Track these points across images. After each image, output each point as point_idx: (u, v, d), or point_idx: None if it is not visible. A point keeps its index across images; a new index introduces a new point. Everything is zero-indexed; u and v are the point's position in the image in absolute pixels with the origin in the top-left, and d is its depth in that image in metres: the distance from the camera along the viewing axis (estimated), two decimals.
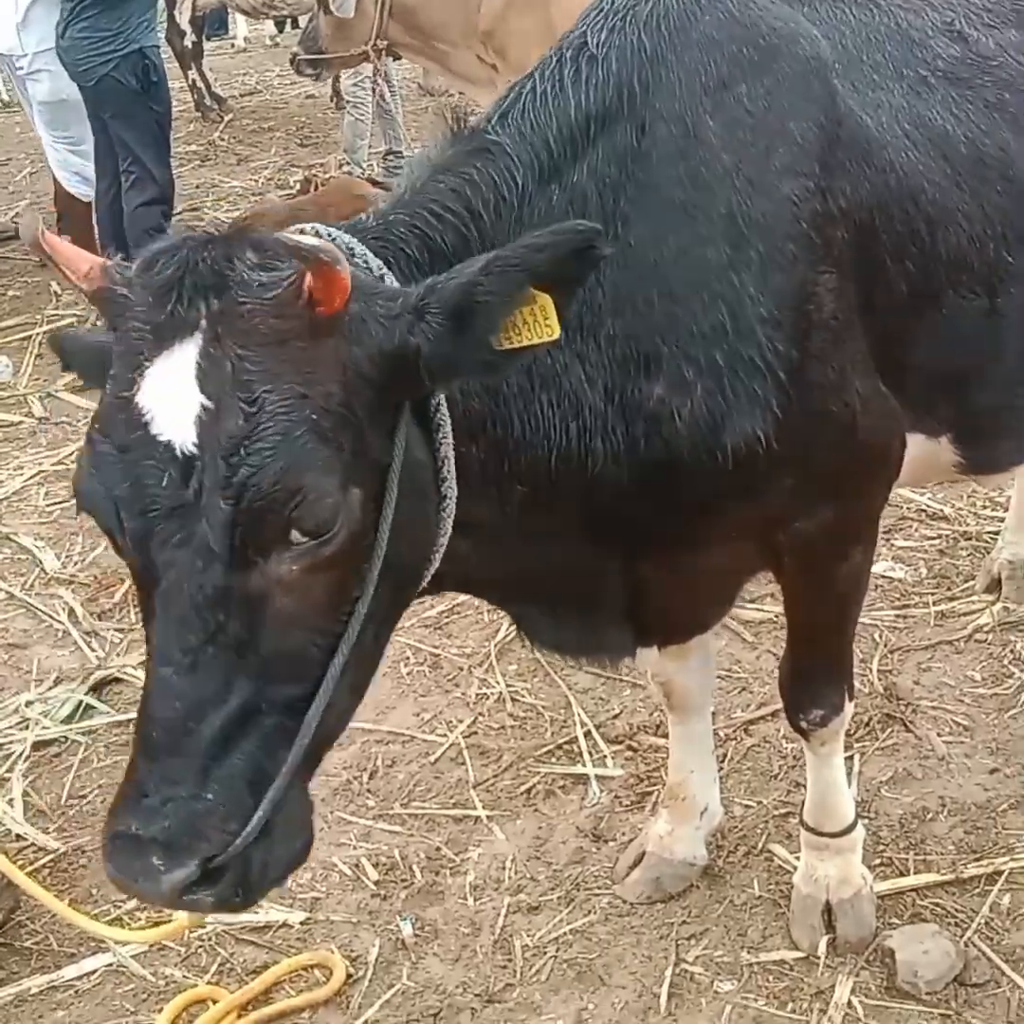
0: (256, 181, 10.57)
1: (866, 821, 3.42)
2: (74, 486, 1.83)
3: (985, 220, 2.54)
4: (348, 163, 9.97)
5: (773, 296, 2.26)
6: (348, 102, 9.82)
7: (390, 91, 9.97)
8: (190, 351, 1.75)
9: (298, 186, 9.83)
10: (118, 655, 4.47)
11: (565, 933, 3.24)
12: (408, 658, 4.35)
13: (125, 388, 1.77)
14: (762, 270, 2.26)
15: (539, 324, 1.89)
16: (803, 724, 2.91)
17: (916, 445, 2.66)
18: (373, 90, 9.82)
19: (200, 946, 3.29)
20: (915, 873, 3.30)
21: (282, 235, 1.86)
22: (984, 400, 2.73)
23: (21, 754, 3.97)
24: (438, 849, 3.54)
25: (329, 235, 1.99)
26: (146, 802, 1.72)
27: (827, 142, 2.36)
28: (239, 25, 16.74)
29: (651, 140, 2.26)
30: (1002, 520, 4.55)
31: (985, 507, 4.92)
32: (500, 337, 1.88)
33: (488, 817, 3.64)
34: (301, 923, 3.33)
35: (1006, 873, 3.27)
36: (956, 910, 3.19)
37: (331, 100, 12.04)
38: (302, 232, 1.97)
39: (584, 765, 3.78)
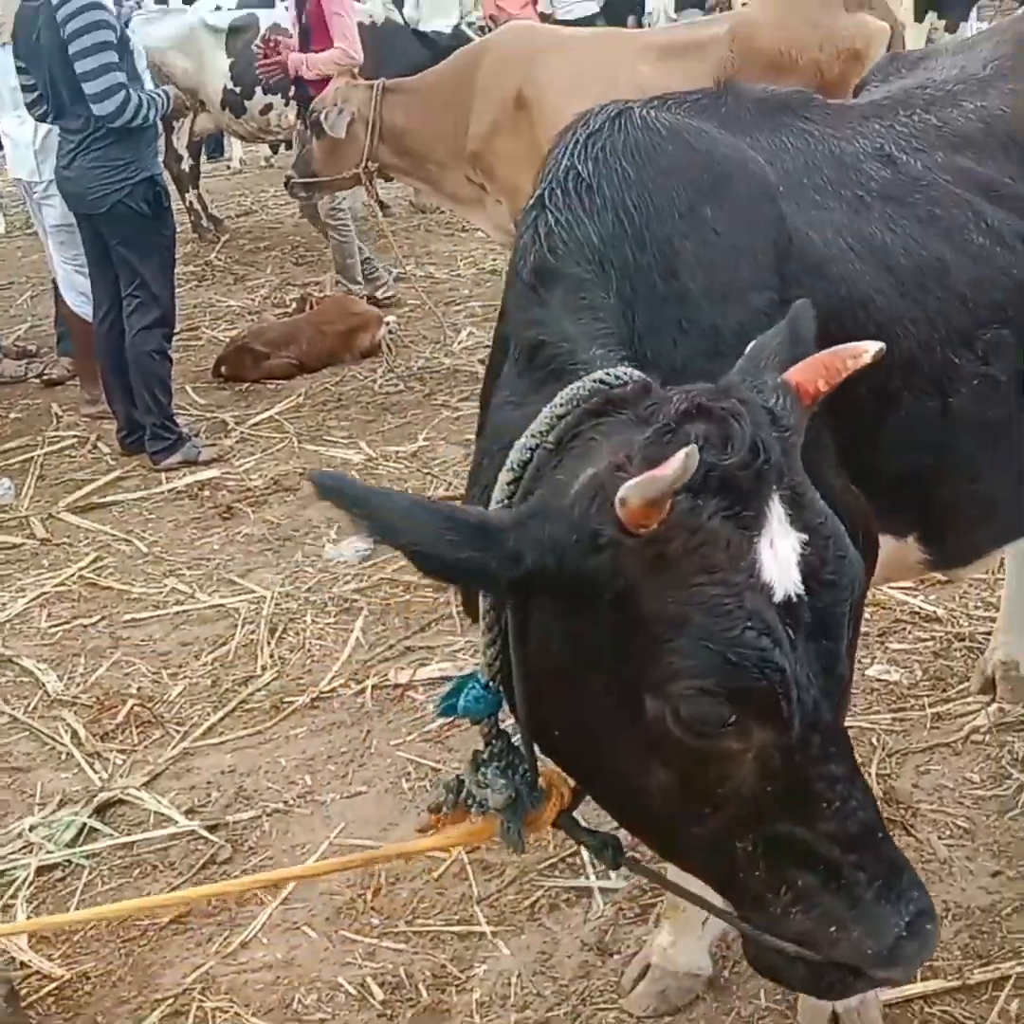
0: (253, 300, 10.77)
1: None
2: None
3: (930, 325, 2.68)
4: (343, 282, 10.15)
5: None
6: (329, 225, 10.01)
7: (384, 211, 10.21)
8: (777, 507, 1.85)
9: (294, 305, 10.03)
10: (121, 777, 4.49)
11: None
12: (410, 773, 4.37)
13: (749, 575, 1.81)
14: None
15: None
16: None
17: (885, 544, 2.76)
18: (366, 207, 10.06)
19: None
20: (922, 980, 3.29)
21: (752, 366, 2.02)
22: (945, 498, 2.83)
23: (25, 879, 3.96)
24: (443, 966, 3.54)
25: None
26: (895, 895, 1.89)
27: (782, 257, 2.53)
28: (234, 147, 17.12)
29: (648, 259, 2.41)
30: (995, 620, 4.60)
31: (977, 608, 4.97)
32: None
33: (493, 933, 3.63)
34: None
35: (1013, 978, 3.27)
36: (964, 1017, 3.19)
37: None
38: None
39: (587, 878, 3.79)
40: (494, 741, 2.19)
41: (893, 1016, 3.18)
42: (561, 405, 2.04)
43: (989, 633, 4.62)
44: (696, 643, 1.78)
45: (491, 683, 2.15)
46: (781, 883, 1.93)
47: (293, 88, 10.27)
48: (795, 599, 1.83)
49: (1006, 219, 2.84)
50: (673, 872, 2.29)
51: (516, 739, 2.21)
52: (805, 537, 1.86)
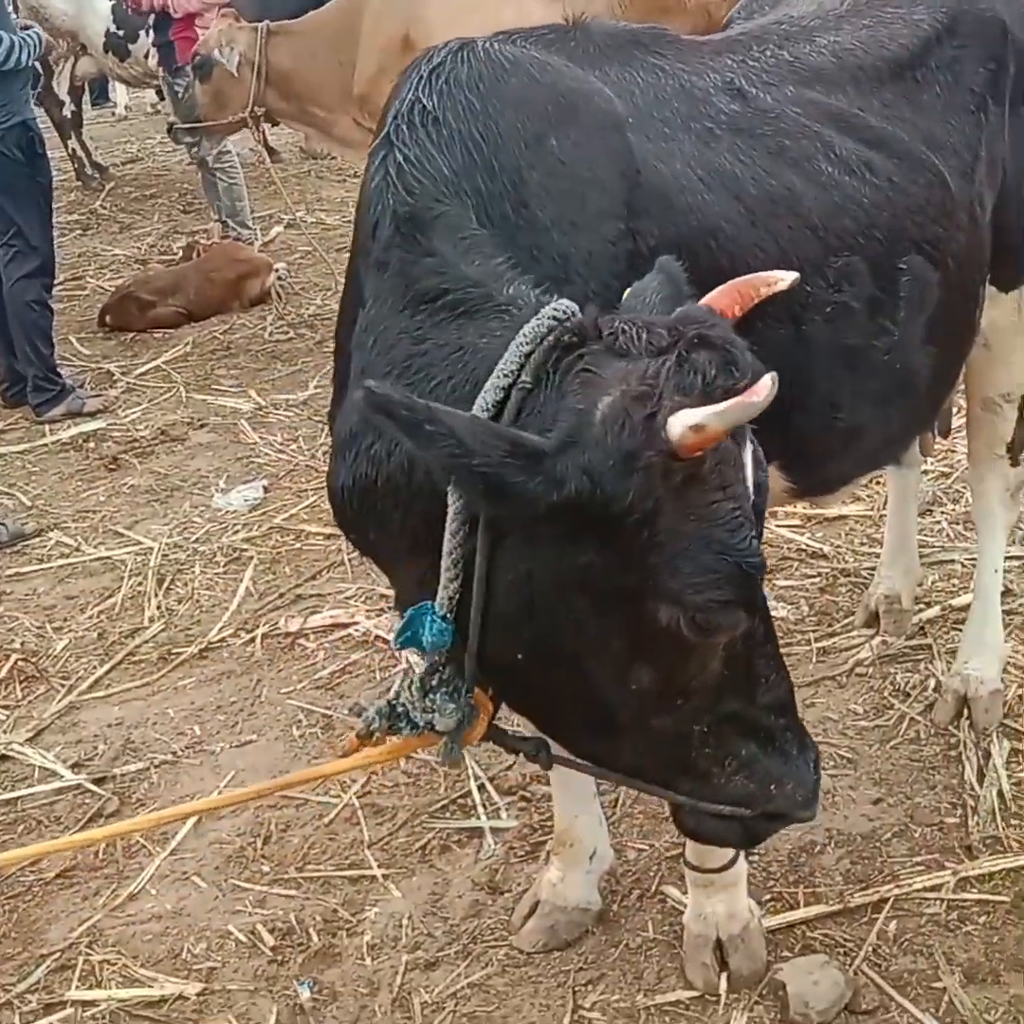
0: (139, 249, 10.55)
1: (755, 857, 3.48)
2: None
3: (781, 253, 2.70)
4: (233, 228, 9.97)
5: None
6: (216, 169, 9.82)
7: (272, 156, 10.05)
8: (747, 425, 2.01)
9: (181, 253, 9.85)
10: (4, 732, 4.41)
11: (463, 988, 3.24)
12: (300, 721, 4.34)
13: (743, 486, 2.01)
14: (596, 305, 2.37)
15: None
16: None
17: None
18: (254, 153, 9.88)
19: None
20: (804, 905, 3.36)
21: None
22: (805, 426, 2.86)
23: None
24: (335, 911, 3.53)
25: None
26: (804, 739, 2.24)
27: (630, 187, 2.53)
28: (119, 93, 16.71)
29: (498, 187, 2.39)
30: (878, 556, 4.68)
31: (862, 544, 5.05)
32: None
33: (384, 876, 3.63)
34: (197, 995, 3.29)
35: (891, 900, 3.35)
36: (845, 940, 3.26)
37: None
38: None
39: (478, 818, 3.80)
40: (442, 669, 2.26)
41: (776, 940, 3.24)
42: (526, 343, 2.07)
43: (873, 569, 4.70)
44: (717, 557, 1.94)
45: (448, 614, 2.20)
46: (727, 755, 2.18)
47: (152, 32, 10.04)
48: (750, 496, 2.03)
49: (855, 149, 2.87)
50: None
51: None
52: (753, 446, 2.05)
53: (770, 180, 2.73)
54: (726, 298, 2.11)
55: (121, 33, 11.83)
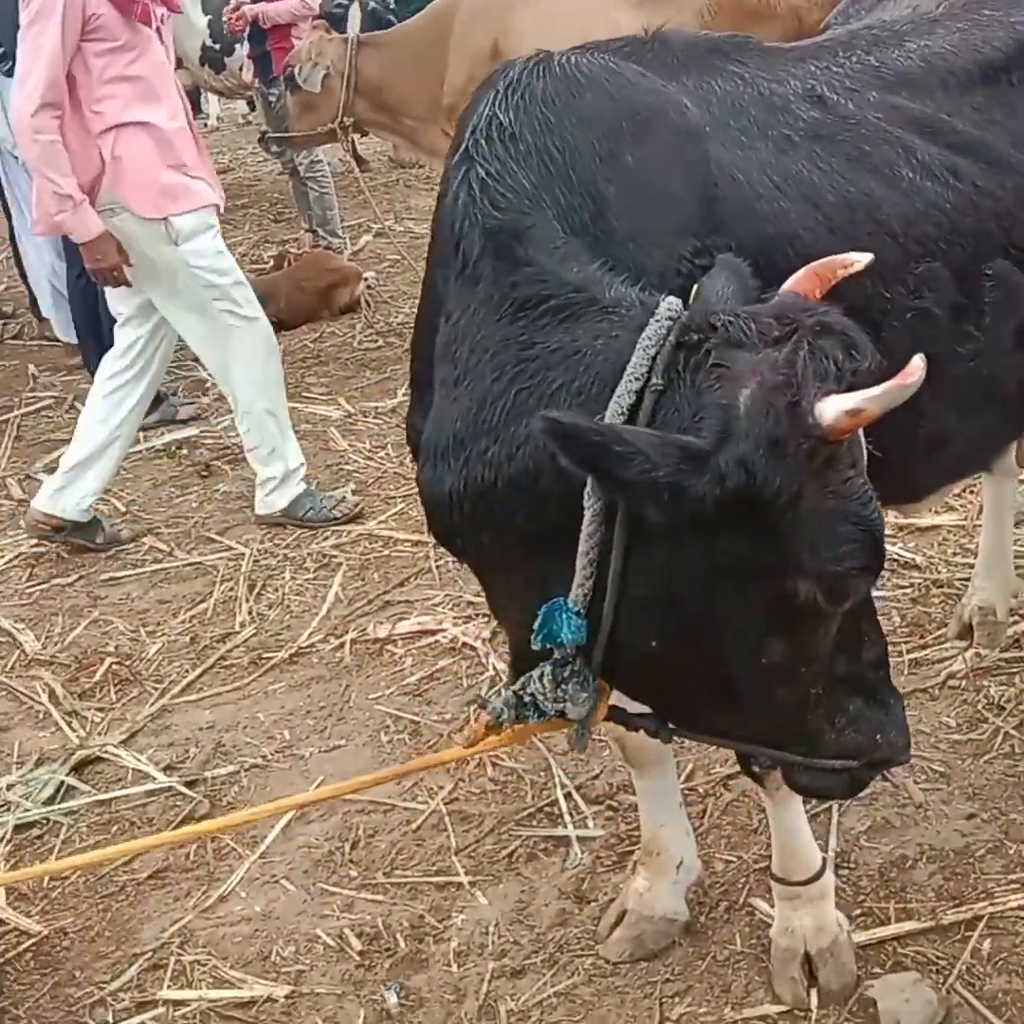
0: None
1: (846, 872, 3.45)
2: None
3: None
4: (323, 237, 10.08)
5: None
6: (308, 179, 9.93)
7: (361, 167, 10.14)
8: None
9: (272, 262, 9.97)
10: (99, 734, 4.49)
11: (549, 996, 3.24)
12: (388, 727, 4.37)
13: (862, 460, 2.16)
14: None
15: None
16: (754, 768, 2.91)
17: None
18: (343, 163, 9.98)
19: None
20: (896, 921, 3.31)
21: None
22: (887, 433, 2.81)
23: (2, 837, 3.97)
24: (421, 917, 3.55)
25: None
26: (900, 700, 2.42)
27: (707, 202, 2.53)
28: (212, 104, 16.98)
29: (577, 200, 2.40)
30: (972, 566, 4.60)
31: (955, 554, 4.98)
32: None
33: (471, 883, 3.64)
34: (286, 997, 3.32)
35: (986, 918, 3.29)
36: (937, 957, 3.20)
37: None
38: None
39: (565, 827, 3.80)
40: (573, 660, 2.34)
41: (866, 956, 3.19)
42: (651, 345, 2.12)
43: (967, 579, 4.62)
44: (854, 529, 2.09)
45: (582, 610, 2.26)
46: (839, 713, 2.34)
47: (248, 45, 10.17)
48: None
49: (939, 154, 2.82)
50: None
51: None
52: None
53: (849, 187, 2.70)
54: (807, 282, 2.20)
55: (217, 47, 12.02)
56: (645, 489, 2.00)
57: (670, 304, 2.18)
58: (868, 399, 1.97)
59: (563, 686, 2.35)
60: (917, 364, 1.95)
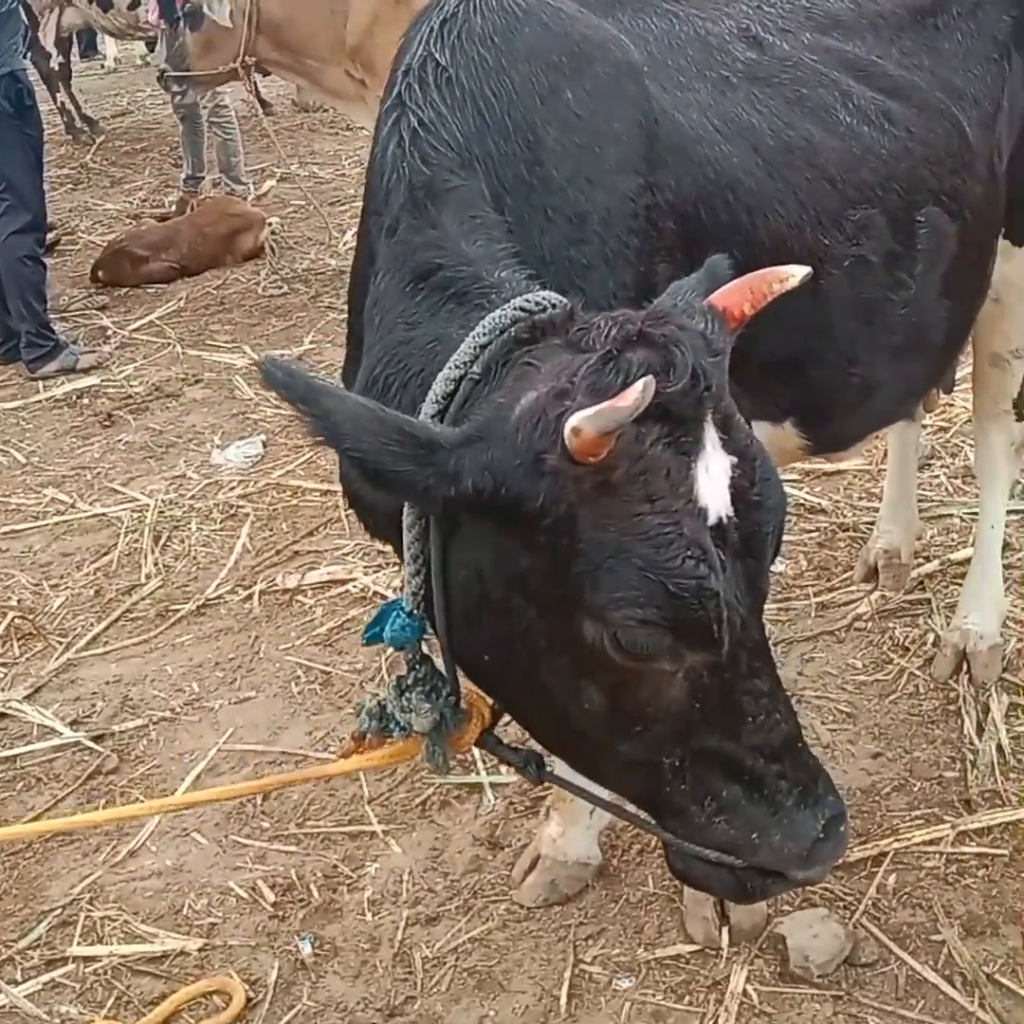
0: (131, 203, 10.47)
1: None
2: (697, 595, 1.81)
3: (799, 206, 2.67)
4: (226, 182, 9.89)
5: (623, 290, 2.34)
6: (212, 123, 9.72)
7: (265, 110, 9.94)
8: (712, 431, 1.85)
9: (174, 207, 9.76)
10: (2, 690, 4.40)
11: (464, 942, 3.25)
12: (299, 677, 4.34)
13: (686, 502, 1.81)
14: (613, 265, 2.34)
15: None
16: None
17: (761, 431, 2.73)
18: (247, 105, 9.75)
19: (95, 980, 3.25)
20: None
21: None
22: (821, 381, 2.83)
23: None
24: (335, 867, 3.54)
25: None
26: (812, 800, 1.98)
27: (648, 139, 2.47)
28: (109, 45, 16.52)
29: (512, 148, 2.35)
30: (877, 511, 4.66)
31: (861, 498, 5.04)
32: None
33: (384, 832, 3.64)
34: (198, 950, 3.30)
35: (891, 854, 3.36)
36: (845, 893, 3.27)
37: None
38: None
39: (478, 774, 3.80)
40: (418, 667, 2.20)
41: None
42: (484, 334, 2.00)
43: (872, 523, 4.69)
44: (638, 573, 1.78)
45: (415, 610, 2.14)
46: (707, 795, 1.98)
47: None
48: (726, 521, 1.84)
49: (873, 98, 2.82)
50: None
51: (439, 663, 2.21)
52: (735, 459, 1.87)
53: (788, 131, 2.68)
54: (736, 295, 1.98)
55: None
56: (354, 462, 1.85)
57: (532, 298, 2.04)
58: (583, 418, 1.71)
59: (407, 695, 2.20)
60: (636, 388, 1.69)
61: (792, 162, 2.67)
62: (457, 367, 2.01)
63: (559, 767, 2.38)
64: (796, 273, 2.00)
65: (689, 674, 1.88)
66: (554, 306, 2.03)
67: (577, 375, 1.82)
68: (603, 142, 2.41)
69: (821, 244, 2.68)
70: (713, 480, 1.83)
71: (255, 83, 9.39)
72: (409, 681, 2.20)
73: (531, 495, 1.81)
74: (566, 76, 2.42)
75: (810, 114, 2.73)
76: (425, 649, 2.23)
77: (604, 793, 2.26)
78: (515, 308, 2.02)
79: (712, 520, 1.82)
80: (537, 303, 2.03)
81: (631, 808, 2.19)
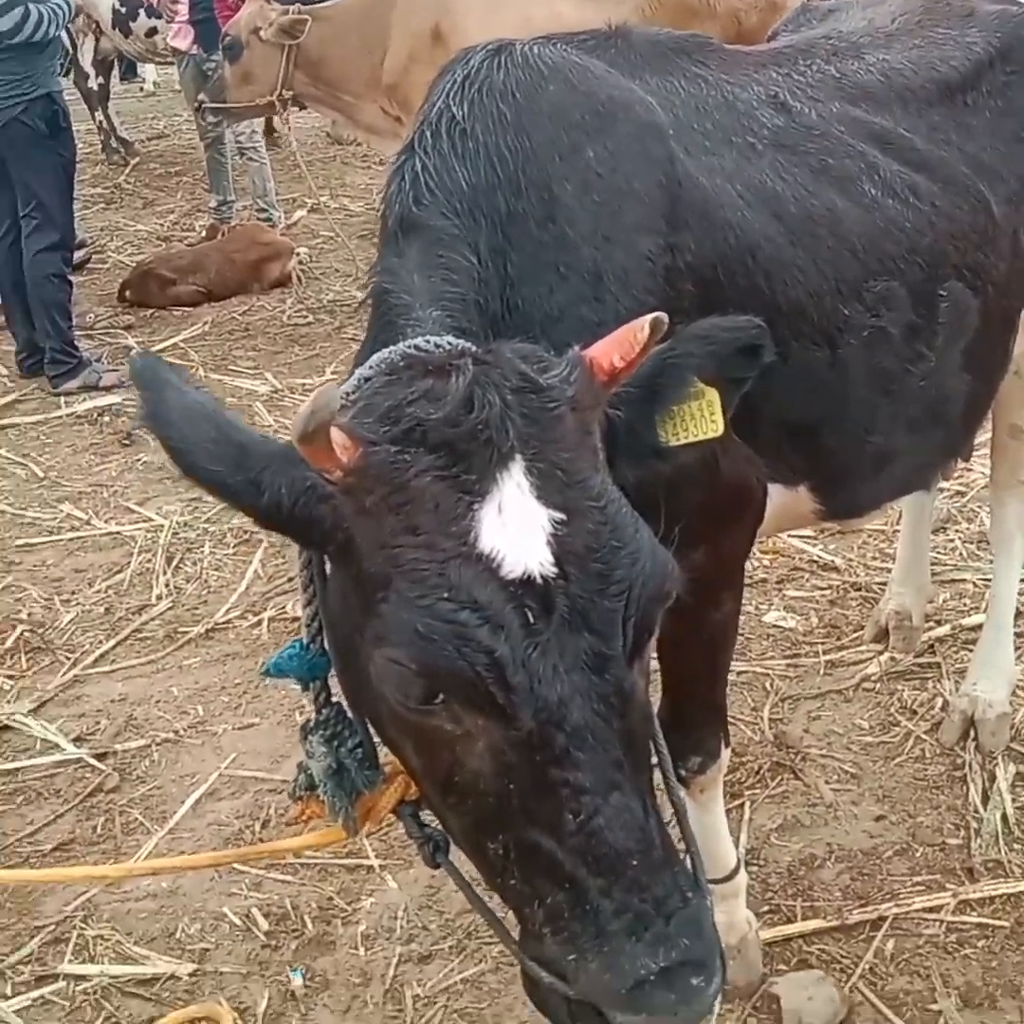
0: (162, 225, 10.55)
1: (755, 868, 3.48)
2: (425, 665, 1.64)
3: (819, 274, 2.66)
4: (260, 209, 9.96)
5: None
6: (246, 151, 9.81)
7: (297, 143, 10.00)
8: (517, 475, 1.70)
9: (204, 231, 9.83)
10: (8, 702, 4.40)
11: (456, 983, 3.23)
12: (303, 706, 4.32)
13: (460, 542, 1.66)
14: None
15: (705, 420, 1.97)
16: (682, 772, 2.89)
17: (776, 493, 2.76)
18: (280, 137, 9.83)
19: (85, 1000, 3.23)
20: (802, 919, 3.34)
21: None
22: (835, 448, 2.83)
23: None
24: (330, 899, 3.52)
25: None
26: (651, 934, 1.63)
27: (670, 200, 2.46)
28: (148, 69, 16.68)
29: (523, 205, 2.33)
30: (890, 571, 4.66)
31: (874, 558, 5.04)
32: (667, 430, 1.96)
33: (381, 866, 3.62)
34: (189, 975, 3.29)
35: (890, 919, 3.33)
36: (841, 956, 3.25)
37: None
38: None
39: None
40: (324, 709, 2.08)
41: (772, 953, 3.22)
42: (369, 367, 1.94)
43: (884, 583, 4.68)
44: (393, 608, 1.66)
45: (312, 643, 2.03)
46: (532, 896, 1.71)
47: (189, 10, 9.99)
48: (540, 580, 1.66)
49: (899, 171, 2.83)
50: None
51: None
52: (562, 516, 1.70)
53: (812, 199, 2.68)
54: (605, 346, 1.86)
55: (123, 10, 11.92)
56: (172, 452, 1.80)
57: (428, 339, 1.97)
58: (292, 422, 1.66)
59: (310, 738, 2.06)
60: (322, 393, 1.63)
61: (814, 230, 2.67)
62: (342, 397, 1.92)
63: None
64: (644, 322, 1.83)
65: (490, 745, 1.68)
66: (447, 348, 1.97)
67: (363, 395, 1.82)
68: (623, 200, 2.40)
69: (840, 313, 2.68)
70: (510, 528, 1.67)
71: (289, 116, 9.50)
72: (311, 724, 2.08)
73: (315, 516, 1.77)
74: (589, 134, 2.41)
75: (835, 184, 2.73)
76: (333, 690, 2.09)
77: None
78: (409, 346, 1.97)
79: (511, 572, 1.65)
80: (436, 345, 1.97)
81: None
